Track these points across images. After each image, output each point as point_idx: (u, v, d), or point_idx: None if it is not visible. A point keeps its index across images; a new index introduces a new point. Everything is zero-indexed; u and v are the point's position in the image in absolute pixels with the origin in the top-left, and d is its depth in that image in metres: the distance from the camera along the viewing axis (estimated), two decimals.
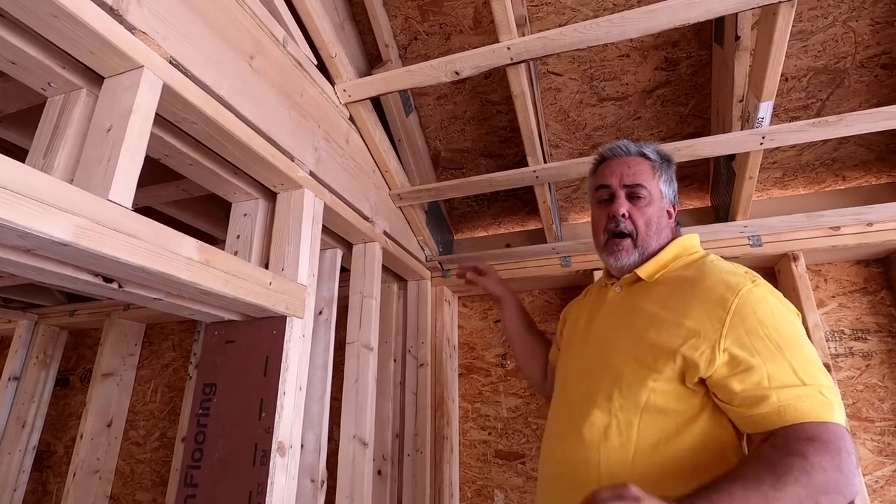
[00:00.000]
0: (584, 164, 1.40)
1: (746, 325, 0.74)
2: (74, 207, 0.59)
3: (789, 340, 0.73)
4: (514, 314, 1.32)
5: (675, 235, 1.01)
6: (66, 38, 0.68)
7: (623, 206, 0.97)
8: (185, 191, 1.32)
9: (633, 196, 0.97)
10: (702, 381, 0.76)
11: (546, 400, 1.32)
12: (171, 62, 0.78)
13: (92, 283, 0.76)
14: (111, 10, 0.69)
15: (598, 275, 1.62)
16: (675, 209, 1.03)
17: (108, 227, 0.63)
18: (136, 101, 0.71)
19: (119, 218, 0.65)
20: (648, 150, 1.02)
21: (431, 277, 1.85)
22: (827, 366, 1.33)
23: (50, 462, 2.38)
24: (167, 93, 0.78)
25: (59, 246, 0.60)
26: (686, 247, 0.97)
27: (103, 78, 0.76)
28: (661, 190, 1.00)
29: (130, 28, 0.72)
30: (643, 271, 0.94)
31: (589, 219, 1.82)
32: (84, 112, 0.77)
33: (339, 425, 1.33)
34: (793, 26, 1.30)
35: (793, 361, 0.71)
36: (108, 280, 0.78)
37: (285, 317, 0.99)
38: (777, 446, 0.68)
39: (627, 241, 0.96)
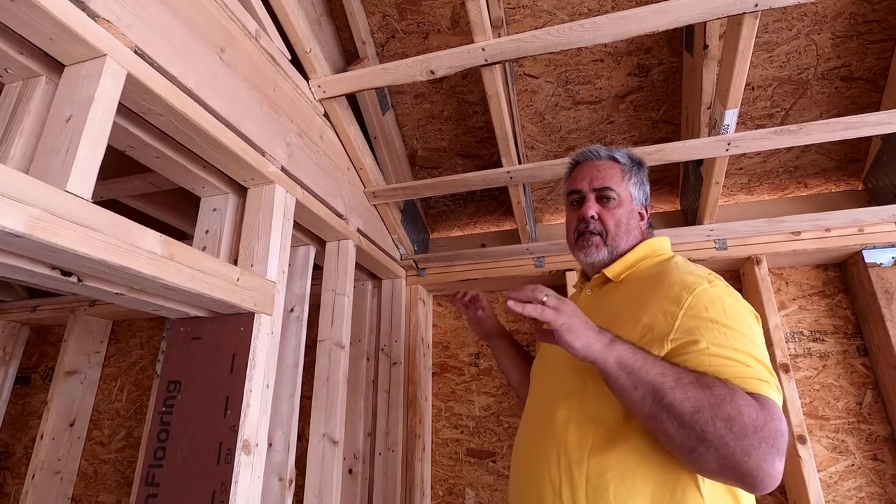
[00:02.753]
0: (559, 165, 1.42)
1: (697, 320, 0.76)
2: (28, 198, 0.57)
3: (739, 336, 0.74)
4: (506, 349, 1.29)
5: (646, 237, 1.03)
6: (25, 24, 0.66)
7: (592, 209, 1.00)
8: (152, 184, 1.29)
9: (603, 198, 1.00)
10: None
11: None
12: (135, 51, 0.76)
13: (49, 277, 0.74)
14: None
15: (570, 276, 1.64)
16: (647, 211, 1.05)
17: (64, 219, 0.61)
18: (98, 91, 0.69)
19: (76, 209, 0.63)
20: (619, 154, 1.04)
21: (406, 276, 1.85)
22: (786, 366, 1.39)
23: (8, 463, 2.29)
24: (132, 83, 0.76)
25: (11, 237, 0.58)
26: (654, 248, 0.99)
27: (64, 65, 0.74)
28: (631, 192, 1.02)
29: (93, 15, 0.70)
30: (610, 271, 0.96)
31: (563, 220, 1.87)
32: (43, 100, 0.74)
33: (310, 424, 1.31)
34: (759, 37, 1.34)
35: (739, 353, 0.72)
36: (66, 273, 0.76)
37: (253, 313, 0.98)
38: (719, 378, 0.70)
39: (597, 238, 0.99)
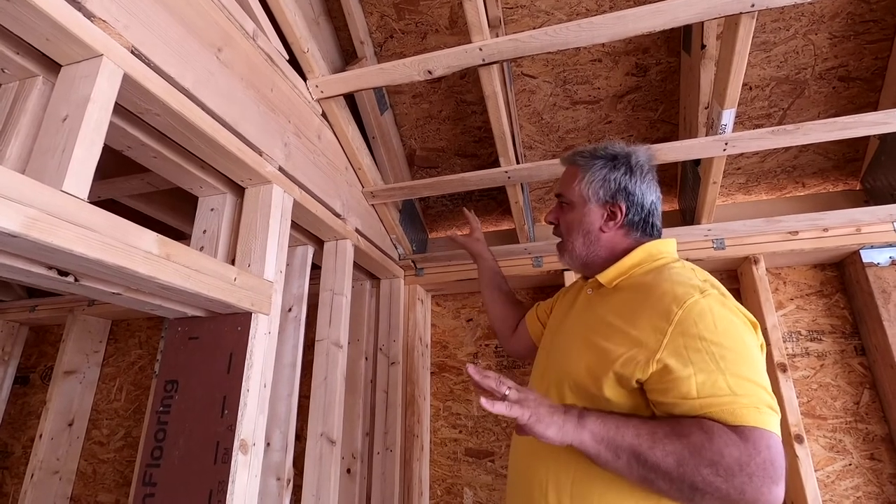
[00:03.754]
0: (557, 165, 1.42)
1: (686, 338, 0.73)
2: (24, 198, 0.57)
3: (728, 354, 0.71)
4: (488, 273, 1.39)
5: (630, 238, 0.95)
6: (21, 24, 0.66)
7: (550, 215, 1.06)
8: (149, 184, 1.29)
9: (561, 204, 1.04)
10: (640, 384, 0.77)
11: (507, 352, 1.53)
12: (132, 52, 0.76)
13: (46, 277, 0.74)
14: None
15: (568, 275, 1.64)
16: (620, 209, 0.94)
17: (60, 219, 0.61)
18: (95, 91, 0.70)
19: (72, 209, 0.63)
20: (581, 155, 1.01)
21: (405, 276, 1.85)
22: (783, 365, 1.39)
23: (7, 463, 2.30)
24: (128, 83, 0.76)
25: (7, 237, 0.58)
26: (652, 253, 0.92)
27: (60, 65, 0.74)
28: (583, 193, 0.97)
29: (89, 15, 0.70)
30: (603, 277, 0.93)
31: None
32: (40, 100, 0.74)
33: (308, 423, 1.32)
34: (756, 37, 1.34)
35: (728, 375, 0.69)
36: (63, 273, 0.76)
37: (250, 313, 0.98)
38: (696, 421, 0.69)
39: (560, 244, 1.04)
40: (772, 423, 0.68)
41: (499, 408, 0.70)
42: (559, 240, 1.06)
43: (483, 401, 0.70)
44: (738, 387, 0.69)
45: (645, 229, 0.97)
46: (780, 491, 0.65)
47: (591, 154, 1.00)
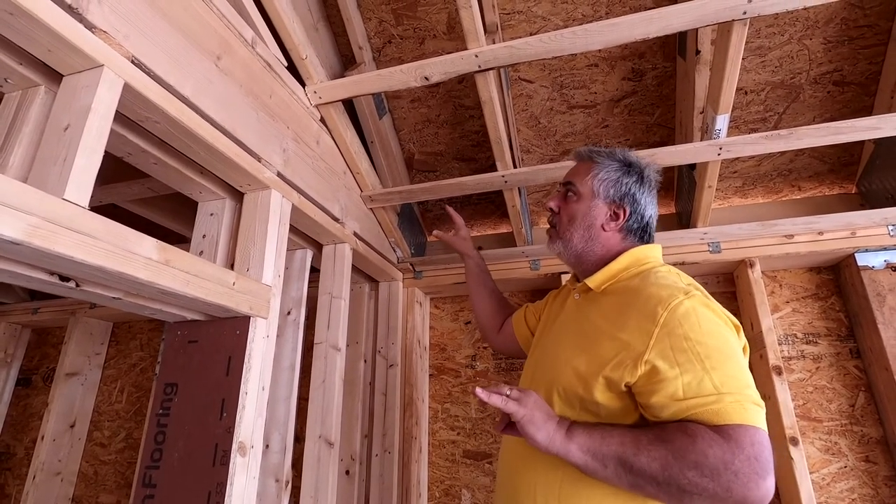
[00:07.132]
0: (553, 169, 1.43)
1: (672, 339, 0.74)
2: (26, 206, 0.59)
3: (713, 353, 0.72)
4: (475, 270, 1.41)
5: (625, 241, 0.98)
6: (23, 36, 0.68)
7: (552, 201, 1.06)
8: (150, 189, 1.31)
9: (567, 192, 1.04)
10: (629, 387, 0.78)
11: (491, 347, 1.62)
12: (132, 61, 0.78)
13: (48, 282, 0.76)
14: (70, 9, 0.68)
15: (565, 279, 1.65)
16: (624, 211, 0.97)
17: (61, 226, 0.63)
18: (95, 101, 0.71)
19: (74, 217, 0.65)
20: (599, 154, 1.03)
21: (403, 279, 1.86)
22: (779, 368, 1.39)
23: (9, 464, 2.31)
24: (129, 92, 0.77)
25: (9, 244, 0.59)
26: (639, 258, 0.94)
27: (62, 75, 0.75)
28: (594, 188, 0.99)
29: (90, 27, 0.71)
30: (592, 282, 0.94)
31: None
32: (42, 110, 0.76)
33: (307, 426, 1.33)
34: (751, 42, 1.36)
35: (713, 374, 0.71)
36: (64, 279, 0.77)
37: (249, 317, 0.99)
38: (679, 426, 0.71)
39: (553, 231, 1.05)
40: (756, 419, 0.69)
41: (494, 399, 0.74)
42: (550, 226, 1.06)
43: (478, 389, 0.73)
44: (723, 385, 0.71)
45: (642, 237, 1.00)
46: (768, 484, 0.66)
47: (608, 154, 1.03)
